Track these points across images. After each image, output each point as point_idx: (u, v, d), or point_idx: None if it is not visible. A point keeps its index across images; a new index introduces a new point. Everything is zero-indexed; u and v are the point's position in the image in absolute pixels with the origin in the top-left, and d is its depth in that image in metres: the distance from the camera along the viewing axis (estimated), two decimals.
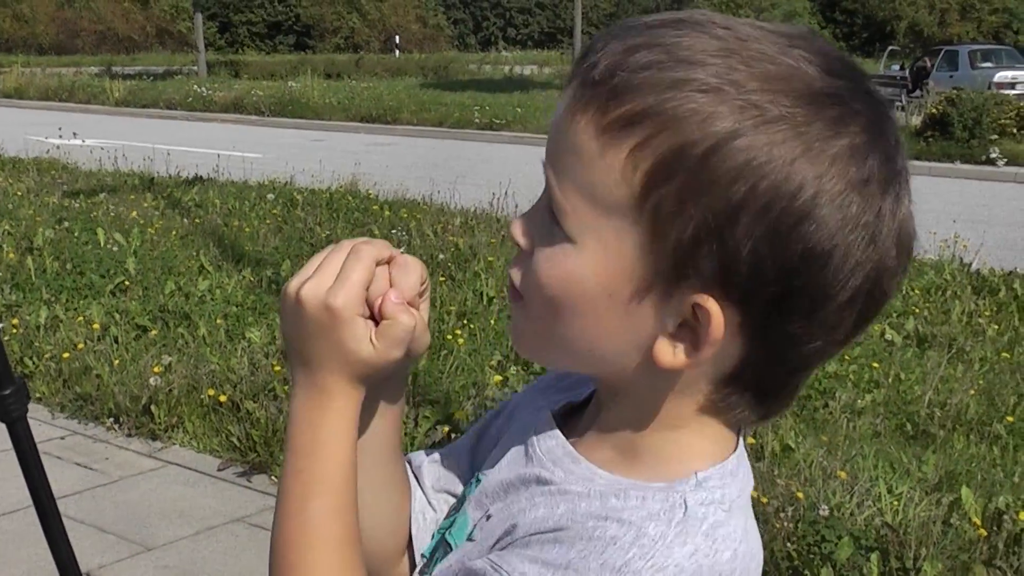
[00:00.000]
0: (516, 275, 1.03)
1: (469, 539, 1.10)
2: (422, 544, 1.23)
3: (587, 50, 0.96)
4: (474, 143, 23.51)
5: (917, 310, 8.12)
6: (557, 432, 1.10)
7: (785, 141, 0.88)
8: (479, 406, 5.43)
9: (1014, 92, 27.60)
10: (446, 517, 1.22)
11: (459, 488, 1.25)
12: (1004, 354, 7.16)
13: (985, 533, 4.24)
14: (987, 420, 5.89)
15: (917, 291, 8.68)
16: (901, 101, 27.92)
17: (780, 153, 0.88)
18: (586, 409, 1.14)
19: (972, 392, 6.18)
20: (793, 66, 0.91)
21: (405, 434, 5.09)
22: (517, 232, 1.02)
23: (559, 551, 0.94)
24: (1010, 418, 5.88)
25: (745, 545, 0.97)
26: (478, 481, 1.16)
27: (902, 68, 36.82)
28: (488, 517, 1.09)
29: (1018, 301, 8.58)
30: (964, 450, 5.51)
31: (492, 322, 7.31)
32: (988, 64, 33.59)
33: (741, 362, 0.96)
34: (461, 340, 6.65)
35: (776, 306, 0.92)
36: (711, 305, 0.92)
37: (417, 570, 1.22)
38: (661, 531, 0.94)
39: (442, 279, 8.39)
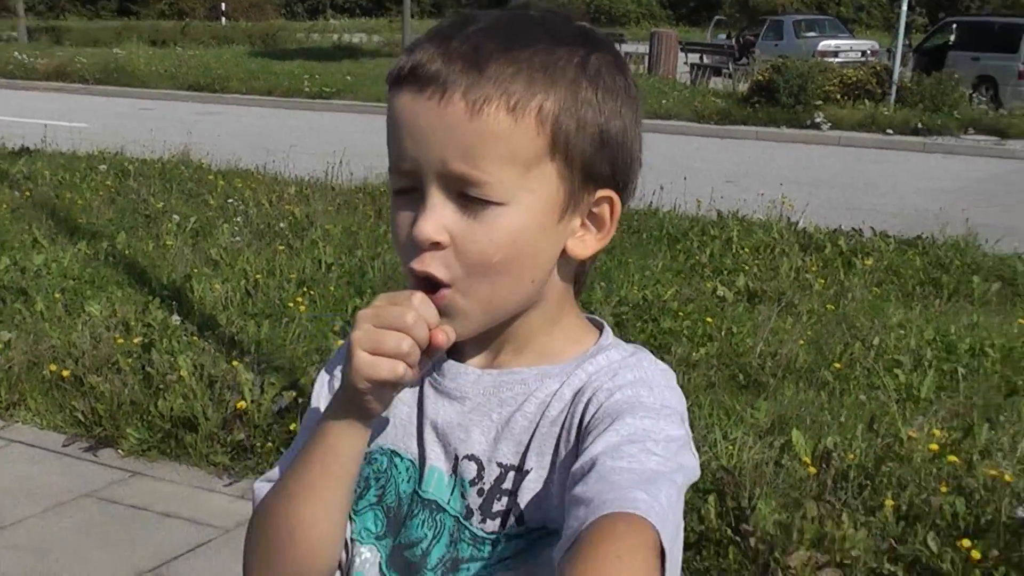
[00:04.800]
0: (440, 269, 1.20)
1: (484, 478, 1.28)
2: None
3: (426, 61, 1.19)
4: (304, 112, 23.29)
5: (747, 267, 8.42)
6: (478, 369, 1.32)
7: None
8: None
9: (837, 60, 28.45)
10: (361, 496, 1.34)
11: None
12: (830, 306, 7.48)
13: (815, 471, 4.47)
14: (815, 368, 6.17)
15: (747, 249, 8.99)
16: (728, 69, 28.54)
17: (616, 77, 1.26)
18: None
19: (801, 342, 6.44)
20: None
21: (252, 401, 5.15)
22: (432, 233, 1.18)
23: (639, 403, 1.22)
24: (837, 364, 6.16)
25: None
26: (394, 454, 1.34)
27: (728, 37, 37.59)
28: (500, 460, 1.27)
29: (843, 257, 8.95)
30: (794, 397, 5.75)
31: (331, 289, 7.36)
32: (812, 33, 34.46)
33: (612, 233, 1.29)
34: (303, 307, 6.68)
35: (627, 186, 1.28)
36: (612, 194, 1.25)
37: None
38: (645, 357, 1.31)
39: (281, 248, 8.40)
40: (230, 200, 10.22)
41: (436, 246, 1.18)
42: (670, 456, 1.15)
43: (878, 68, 23.74)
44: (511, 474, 1.25)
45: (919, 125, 19.98)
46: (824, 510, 4.26)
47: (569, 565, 1.02)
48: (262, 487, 1.36)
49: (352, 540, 1.34)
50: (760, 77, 22.40)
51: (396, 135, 1.22)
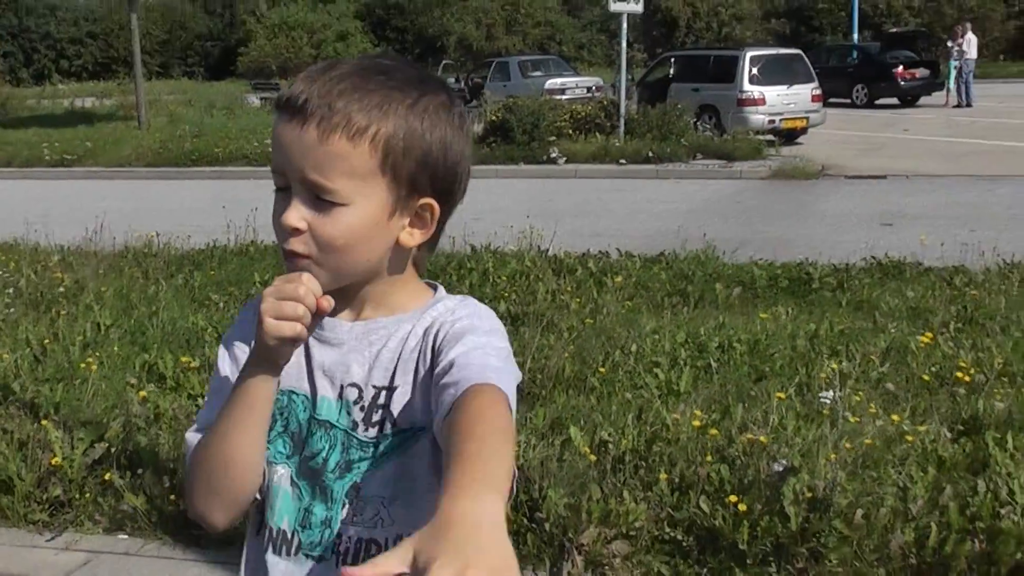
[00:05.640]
0: (300, 246, 1.65)
1: (364, 400, 1.75)
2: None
3: (295, 96, 1.63)
4: (49, 181, 22.79)
5: (506, 294, 8.91)
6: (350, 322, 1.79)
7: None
8: (127, 424, 5.68)
9: (565, 97, 29.61)
10: (271, 429, 1.78)
11: None
12: (588, 321, 8.05)
13: (595, 459, 4.97)
14: (582, 376, 6.68)
15: (504, 278, 9.51)
16: None
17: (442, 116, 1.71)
18: None
19: (566, 355, 6.93)
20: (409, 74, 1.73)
21: (64, 457, 5.33)
22: (295, 222, 1.64)
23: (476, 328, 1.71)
24: (601, 370, 6.70)
25: None
26: (292, 393, 1.79)
27: (457, 80, 38.41)
28: (375, 384, 1.75)
29: (594, 277, 9.60)
30: (566, 403, 6.24)
31: (116, 349, 7.53)
32: (538, 73, 35.75)
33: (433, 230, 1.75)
34: (94, 367, 6.83)
35: (450, 195, 1.73)
36: (432, 201, 1.71)
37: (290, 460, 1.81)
38: (472, 301, 1.80)
39: (63, 313, 8.50)
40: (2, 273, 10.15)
41: (296, 231, 1.64)
42: (503, 359, 1.66)
43: (605, 102, 24.84)
44: (383, 392, 1.74)
45: (650, 154, 21.00)
46: (607, 490, 4.77)
47: (457, 414, 1.50)
48: (193, 437, 1.80)
49: (269, 463, 1.79)
50: (494, 117, 23.11)
51: (274, 147, 1.68)
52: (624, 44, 23.28)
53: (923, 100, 36.80)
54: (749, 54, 24.71)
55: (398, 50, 76.22)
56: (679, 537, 4.58)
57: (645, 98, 25.50)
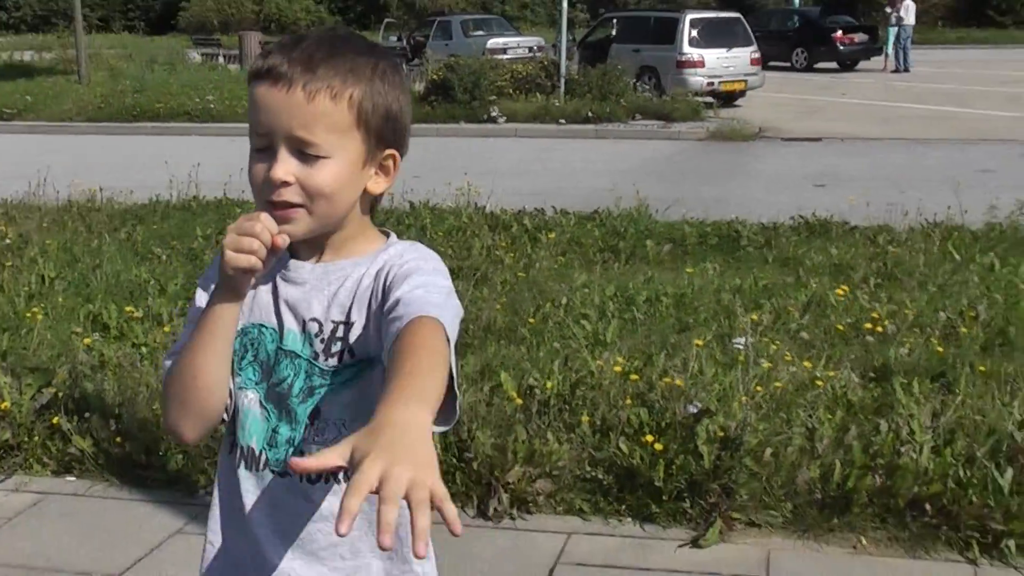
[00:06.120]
0: (294, 196, 1.86)
1: (321, 333, 1.97)
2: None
3: (277, 65, 1.85)
4: None
5: (443, 249, 9.03)
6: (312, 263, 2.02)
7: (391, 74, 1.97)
8: (73, 370, 5.83)
9: (506, 57, 29.73)
10: (242, 358, 2.02)
11: None
12: (521, 275, 8.29)
13: (521, 402, 5.21)
14: (513, 327, 6.91)
15: (441, 233, 9.74)
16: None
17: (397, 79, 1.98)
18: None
19: (498, 307, 7.17)
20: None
21: (12, 403, 5.47)
22: (283, 176, 1.85)
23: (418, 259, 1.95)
24: (532, 320, 6.94)
25: None
26: (261, 326, 2.02)
27: (399, 39, 38.41)
28: (333, 319, 1.96)
29: (529, 233, 9.83)
30: (497, 352, 6.45)
31: (60, 300, 7.67)
32: (480, 32, 35.81)
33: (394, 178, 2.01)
34: (40, 317, 6.96)
35: (403, 146, 1.99)
36: (395, 152, 1.97)
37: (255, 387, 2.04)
38: (420, 246, 2.03)
39: (8, 265, 8.62)
40: None
41: (286, 184, 1.85)
42: (444, 295, 1.86)
43: (546, 62, 25.04)
44: (341, 326, 1.96)
45: (589, 114, 21.27)
46: (532, 432, 5.01)
47: (399, 341, 1.71)
48: (168, 362, 2.03)
49: (240, 389, 2.02)
50: (435, 76, 23.26)
51: (255, 111, 1.90)
52: (565, 4, 23.46)
53: (862, 65, 37.38)
54: (689, 16, 24.98)
55: (340, 8, 76.17)
56: (599, 476, 4.83)
57: (586, 59, 25.70)
